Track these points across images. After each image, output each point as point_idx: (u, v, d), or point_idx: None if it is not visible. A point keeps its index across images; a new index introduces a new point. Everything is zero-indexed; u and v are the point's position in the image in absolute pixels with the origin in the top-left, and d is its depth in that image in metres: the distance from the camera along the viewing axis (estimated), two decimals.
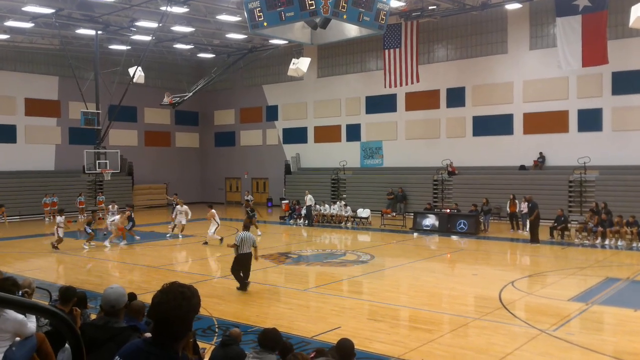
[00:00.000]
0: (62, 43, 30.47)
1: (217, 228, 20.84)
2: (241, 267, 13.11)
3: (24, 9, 24.51)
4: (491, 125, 28.99)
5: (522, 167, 27.81)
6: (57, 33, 28.63)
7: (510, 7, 26.37)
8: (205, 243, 20.46)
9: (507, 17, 28.30)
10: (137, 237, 21.93)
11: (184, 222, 22.38)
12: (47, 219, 29.64)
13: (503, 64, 28.81)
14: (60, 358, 5.55)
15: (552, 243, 20.25)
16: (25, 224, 28.44)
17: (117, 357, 2.76)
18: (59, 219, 19.93)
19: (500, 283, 13.58)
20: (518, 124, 28.35)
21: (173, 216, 23.23)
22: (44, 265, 17.83)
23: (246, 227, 13.91)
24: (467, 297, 12.82)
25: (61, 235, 19.60)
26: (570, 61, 23.41)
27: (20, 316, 5.35)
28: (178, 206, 22.99)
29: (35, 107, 33.60)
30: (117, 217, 21.51)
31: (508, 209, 23.86)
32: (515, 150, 28.15)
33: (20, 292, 6.17)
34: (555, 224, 21.37)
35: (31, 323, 5.48)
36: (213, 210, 21.11)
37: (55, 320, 2.17)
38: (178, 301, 2.60)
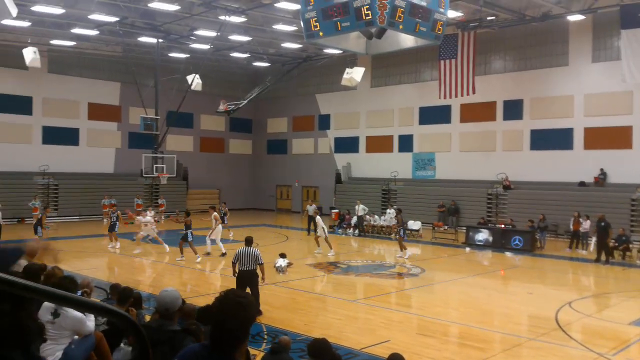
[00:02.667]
0: (124, 50, 31.59)
1: (212, 231, 19.76)
2: (243, 287, 11.09)
3: (90, 17, 25.52)
4: (550, 140, 28.09)
5: (582, 184, 26.81)
6: (120, 40, 29.71)
7: (573, 18, 25.54)
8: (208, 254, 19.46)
9: (568, 29, 27.44)
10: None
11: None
12: (105, 220, 30.59)
13: (563, 77, 27.93)
14: (115, 357, 5.67)
15: (613, 264, 19.41)
16: (84, 224, 29.45)
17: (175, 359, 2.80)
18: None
19: (556, 303, 13.08)
20: (578, 138, 27.39)
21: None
22: (100, 264, 18.42)
23: (248, 242, 11.95)
24: (521, 316, 12.43)
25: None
26: (635, 75, 22.48)
27: (79, 314, 5.50)
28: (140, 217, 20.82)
29: (97, 112, 34.88)
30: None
31: (572, 227, 22.90)
32: (574, 165, 27.16)
33: (80, 292, 6.36)
34: (617, 244, 20.48)
35: (90, 322, 5.62)
36: (215, 213, 20.18)
37: (123, 322, 2.19)
38: (235, 310, 2.61)
